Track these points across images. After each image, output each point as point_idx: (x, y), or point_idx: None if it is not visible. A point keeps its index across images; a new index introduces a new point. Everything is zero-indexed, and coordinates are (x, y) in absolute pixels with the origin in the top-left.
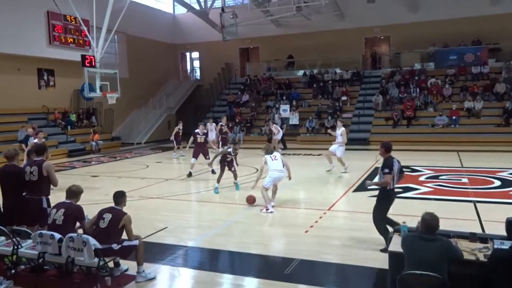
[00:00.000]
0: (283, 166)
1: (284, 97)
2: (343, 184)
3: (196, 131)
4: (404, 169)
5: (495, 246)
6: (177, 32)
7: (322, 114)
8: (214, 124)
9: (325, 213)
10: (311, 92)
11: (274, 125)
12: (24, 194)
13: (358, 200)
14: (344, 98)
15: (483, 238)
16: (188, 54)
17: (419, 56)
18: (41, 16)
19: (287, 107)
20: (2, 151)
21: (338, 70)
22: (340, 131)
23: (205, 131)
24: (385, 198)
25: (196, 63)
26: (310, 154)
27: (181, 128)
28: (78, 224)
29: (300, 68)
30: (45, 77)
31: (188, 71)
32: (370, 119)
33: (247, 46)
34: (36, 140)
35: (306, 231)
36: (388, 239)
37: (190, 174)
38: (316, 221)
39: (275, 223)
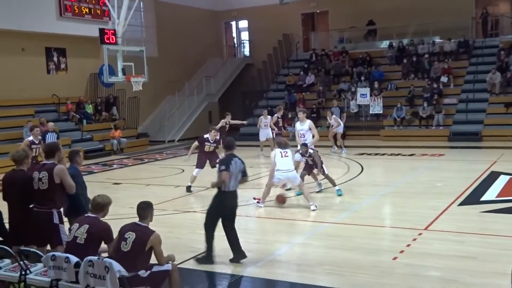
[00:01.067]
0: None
1: (363, 78)
2: (445, 195)
3: (205, 136)
4: None
5: None
6: None
7: (415, 100)
8: (269, 117)
9: (420, 234)
10: (400, 70)
11: (334, 116)
12: (31, 206)
13: (467, 217)
14: (445, 77)
15: None
16: (234, 23)
17: None
18: None
19: (367, 90)
20: (7, 152)
21: (437, 40)
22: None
23: (217, 137)
24: (219, 201)
25: (245, 35)
26: (398, 154)
27: (229, 122)
28: (102, 246)
29: (385, 38)
30: (55, 59)
31: (235, 46)
32: (483, 105)
33: (312, 11)
34: (31, 138)
35: (395, 258)
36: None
37: (189, 189)
38: (408, 245)
39: (352, 247)
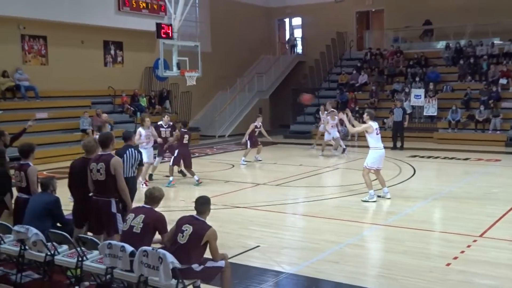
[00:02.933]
0: None
1: (418, 79)
2: (501, 201)
3: (159, 123)
4: None
5: None
6: None
7: (472, 103)
8: (336, 118)
9: (475, 241)
10: (457, 71)
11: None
12: (91, 195)
13: None
14: (504, 80)
15: None
16: (287, 20)
17: None
18: None
19: (421, 92)
20: (63, 141)
21: (497, 41)
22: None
23: (170, 123)
24: None
25: (298, 33)
26: (452, 158)
27: (259, 126)
28: (155, 237)
29: (441, 39)
30: (112, 52)
31: (287, 43)
32: None
33: (367, 9)
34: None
35: (448, 264)
36: None
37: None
38: (462, 251)
39: (404, 250)
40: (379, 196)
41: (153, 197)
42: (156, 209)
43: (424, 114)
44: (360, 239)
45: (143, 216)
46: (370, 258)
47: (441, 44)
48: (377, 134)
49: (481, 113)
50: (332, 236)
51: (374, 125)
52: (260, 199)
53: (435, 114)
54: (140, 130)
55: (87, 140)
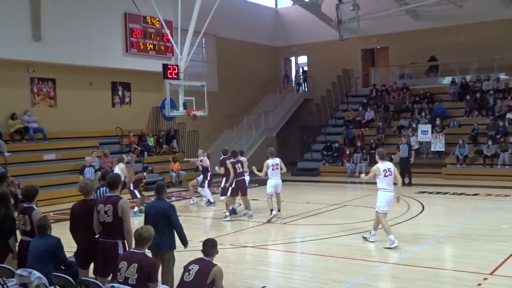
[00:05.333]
0: None
1: (424, 114)
2: (508, 237)
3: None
4: None
5: None
6: (280, 31)
7: (479, 138)
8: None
9: (485, 279)
10: (463, 106)
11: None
12: (97, 237)
13: None
14: (511, 115)
15: None
16: (293, 59)
17: None
18: (117, 19)
19: (428, 127)
20: (71, 182)
21: (502, 76)
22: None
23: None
24: None
25: (304, 71)
26: (461, 194)
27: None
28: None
29: (447, 74)
30: (120, 93)
31: (293, 81)
32: None
33: (373, 47)
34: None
35: None
36: None
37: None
38: None
39: None
40: (364, 237)
41: (142, 238)
42: None
43: (432, 149)
44: (368, 278)
45: (136, 265)
46: None
47: (446, 80)
48: (385, 176)
49: (489, 147)
50: (340, 276)
51: (382, 166)
52: (267, 238)
53: (443, 149)
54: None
55: (83, 182)
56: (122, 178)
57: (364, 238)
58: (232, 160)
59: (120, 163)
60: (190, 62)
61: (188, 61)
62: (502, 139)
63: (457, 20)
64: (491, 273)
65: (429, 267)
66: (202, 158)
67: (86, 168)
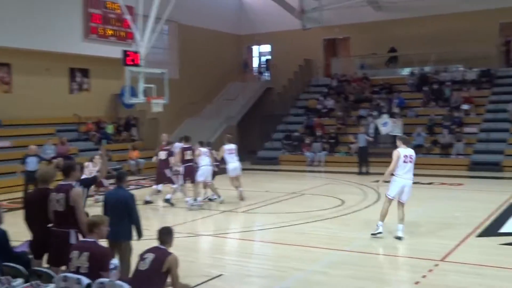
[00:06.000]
0: None
1: (383, 104)
2: (463, 225)
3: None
4: None
5: None
6: (244, 20)
7: (435, 128)
8: None
9: (436, 265)
10: (421, 97)
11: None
12: (50, 226)
13: (484, 249)
14: (466, 106)
15: None
16: (256, 48)
17: None
18: (76, 3)
19: (387, 118)
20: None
21: (459, 68)
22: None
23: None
24: None
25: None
26: (417, 183)
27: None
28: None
29: (406, 66)
30: (78, 79)
31: (255, 69)
32: (504, 135)
33: (334, 37)
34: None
35: None
36: None
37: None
38: (424, 276)
39: (367, 276)
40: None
41: (93, 226)
42: None
43: (388, 133)
44: (325, 266)
45: (88, 254)
46: (334, 285)
47: (406, 71)
48: (404, 162)
49: (445, 137)
50: (297, 263)
51: (403, 152)
52: (226, 227)
53: (400, 134)
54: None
55: (44, 170)
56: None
57: (398, 237)
58: (183, 145)
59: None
60: (152, 49)
61: (149, 47)
62: (456, 130)
63: (417, 12)
64: (442, 259)
65: (383, 254)
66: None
67: (29, 158)
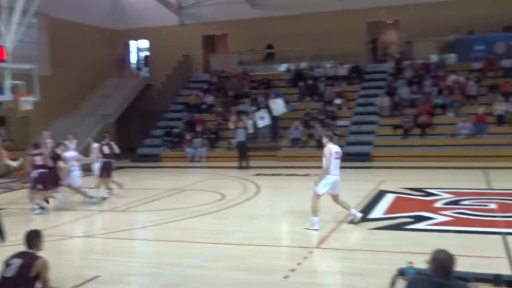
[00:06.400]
0: None
1: (261, 99)
2: (337, 213)
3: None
4: (417, 193)
5: None
6: (120, 14)
7: (311, 122)
8: None
9: (311, 252)
10: (297, 92)
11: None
12: None
13: (355, 234)
14: (338, 100)
15: (510, 281)
16: (134, 43)
17: (436, 45)
18: None
19: (265, 112)
20: None
21: (332, 64)
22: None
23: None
24: None
25: (145, 56)
26: (294, 175)
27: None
28: None
29: (283, 62)
30: None
31: (134, 65)
32: (372, 127)
33: (213, 33)
34: None
35: (286, 277)
36: None
37: None
38: (299, 263)
39: (246, 267)
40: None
41: None
42: None
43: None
44: (203, 260)
45: None
46: (213, 278)
47: (282, 67)
48: (335, 158)
49: (317, 131)
50: (176, 259)
51: (334, 148)
52: (102, 227)
53: (287, 110)
54: None
55: None
56: None
57: (353, 221)
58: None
59: None
60: (20, 43)
61: (16, 42)
62: (331, 123)
63: (292, 10)
64: (317, 246)
65: (261, 245)
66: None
67: None
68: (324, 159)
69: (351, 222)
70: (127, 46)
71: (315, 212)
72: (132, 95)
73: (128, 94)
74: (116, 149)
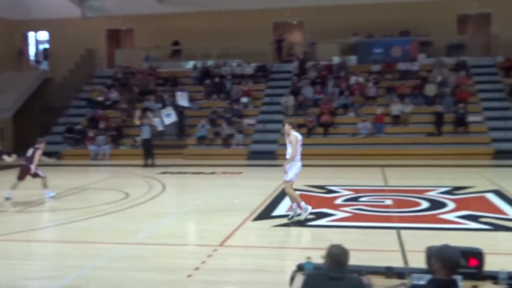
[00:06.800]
0: None
1: (167, 96)
2: (241, 211)
3: None
4: (319, 190)
5: (414, 282)
6: (17, 4)
7: (218, 120)
8: None
9: (215, 250)
10: (203, 90)
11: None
12: None
13: (259, 231)
14: (245, 99)
15: (401, 273)
16: (32, 34)
17: (338, 47)
18: None
19: (171, 110)
20: None
21: (239, 63)
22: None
23: None
24: None
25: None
26: (200, 173)
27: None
28: None
29: (190, 59)
30: None
31: (32, 58)
32: (278, 126)
33: (118, 28)
34: None
35: (189, 276)
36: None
37: None
38: (203, 262)
39: (150, 267)
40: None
41: None
42: None
43: (165, 124)
44: (106, 261)
45: None
46: (115, 279)
47: (189, 64)
48: (300, 145)
49: (225, 129)
50: (75, 261)
51: (298, 136)
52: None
53: (188, 105)
54: None
55: None
56: None
57: (291, 219)
58: None
59: None
60: None
61: None
62: (237, 121)
63: (199, 6)
64: (220, 245)
65: (166, 244)
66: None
67: None
68: (289, 147)
69: (289, 218)
70: (25, 38)
71: (296, 199)
72: (31, 89)
73: (26, 88)
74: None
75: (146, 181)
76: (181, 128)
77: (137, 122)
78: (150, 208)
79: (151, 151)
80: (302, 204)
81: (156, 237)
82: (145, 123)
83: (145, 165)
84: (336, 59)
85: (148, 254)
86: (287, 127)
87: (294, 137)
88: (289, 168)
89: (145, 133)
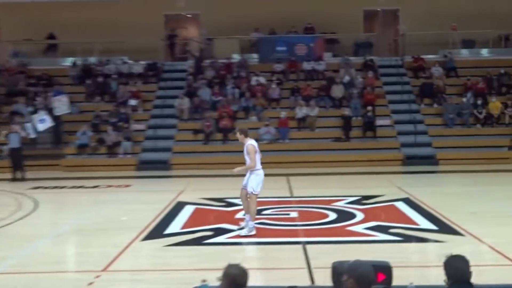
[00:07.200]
0: None
1: (40, 98)
2: (130, 230)
3: None
4: (217, 203)
5: None
6: None
7: (101, 125)
8: None
9: (98, 277)
10: (84, 91)
11: None
12: None
13: (149, 252)
14: (133, 101)
15: None
16: None
17: (238, 44)
18: None
19: (45, 114)
20: None
21: (126, 60)
22: None
23: None
24: None
25: None
26: (80, 187)
27: None
28: None
29: (68, 55)
30: None
31: None
32: (171, 132)
33: None
34: None
35: None
36: None
37: None
38: None
39: None
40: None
41: None
42: None
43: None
44: None
45: None
46: None
47: (67, 61)
48: (258, 153)
49: (110, 136)
50: None
51: (255, 143)
52: None
53: (71, 111)
54: None
55: None
56: None
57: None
58: None
59: None
60: None
61: None
62: (125, 126)
63: None
64: (104, 270)
65: (39, 272)
66: None
67: None
68: (247, 157)
69: (241, 228)
70: None
71: (253, 215)
72: None
73: None
74: None
75: (14, 198)
76: (58, 135)
77: (2, 138)
78: (18, 230)
79: (20, 162)
80: (251, 223)
81: (26, 264)
82: (12, 130)
83: (14, 179)
84: (235, 57)
85: (15, 285)
86: (238, 136)
87: (252, 146)
88: (251, 180)
89: (13, 142)
